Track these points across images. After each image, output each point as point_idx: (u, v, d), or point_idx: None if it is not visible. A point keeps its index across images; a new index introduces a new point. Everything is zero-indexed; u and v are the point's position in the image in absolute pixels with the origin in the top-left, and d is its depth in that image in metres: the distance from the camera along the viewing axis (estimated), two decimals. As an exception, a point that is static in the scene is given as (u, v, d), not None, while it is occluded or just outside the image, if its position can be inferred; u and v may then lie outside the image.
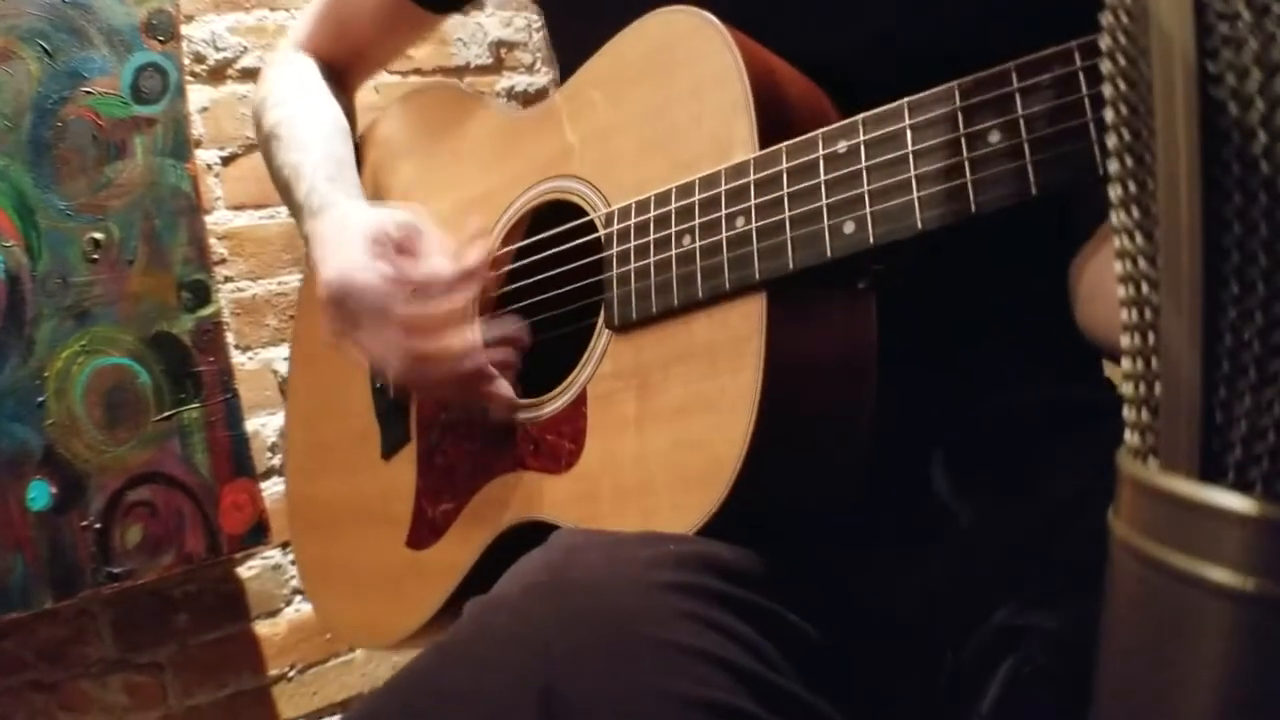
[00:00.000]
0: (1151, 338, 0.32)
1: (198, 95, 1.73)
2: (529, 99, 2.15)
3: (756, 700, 0.56)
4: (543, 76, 2.16)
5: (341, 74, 1.08)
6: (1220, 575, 0.29)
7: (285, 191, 0.99)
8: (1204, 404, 0.30)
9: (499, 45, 2.11)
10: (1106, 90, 0.33)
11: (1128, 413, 0.33)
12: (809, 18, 0.72)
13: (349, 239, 0.85)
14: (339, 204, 0.91)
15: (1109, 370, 0.82)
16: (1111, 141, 0.33)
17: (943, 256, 0.67)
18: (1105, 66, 0.33)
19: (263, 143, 1.04)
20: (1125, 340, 0.33)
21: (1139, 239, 0.32)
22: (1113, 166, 0.33)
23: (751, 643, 0.59)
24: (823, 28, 0.72)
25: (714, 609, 0.59)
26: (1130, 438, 0.33)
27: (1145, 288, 0.32)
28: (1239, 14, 0.28)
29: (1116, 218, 0.33)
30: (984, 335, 0.74)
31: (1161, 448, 0.31)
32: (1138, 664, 0.32)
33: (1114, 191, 0.33)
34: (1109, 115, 0.33)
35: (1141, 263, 0.32)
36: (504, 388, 0.83)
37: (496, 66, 2.12)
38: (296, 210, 0.97)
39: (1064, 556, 0.66)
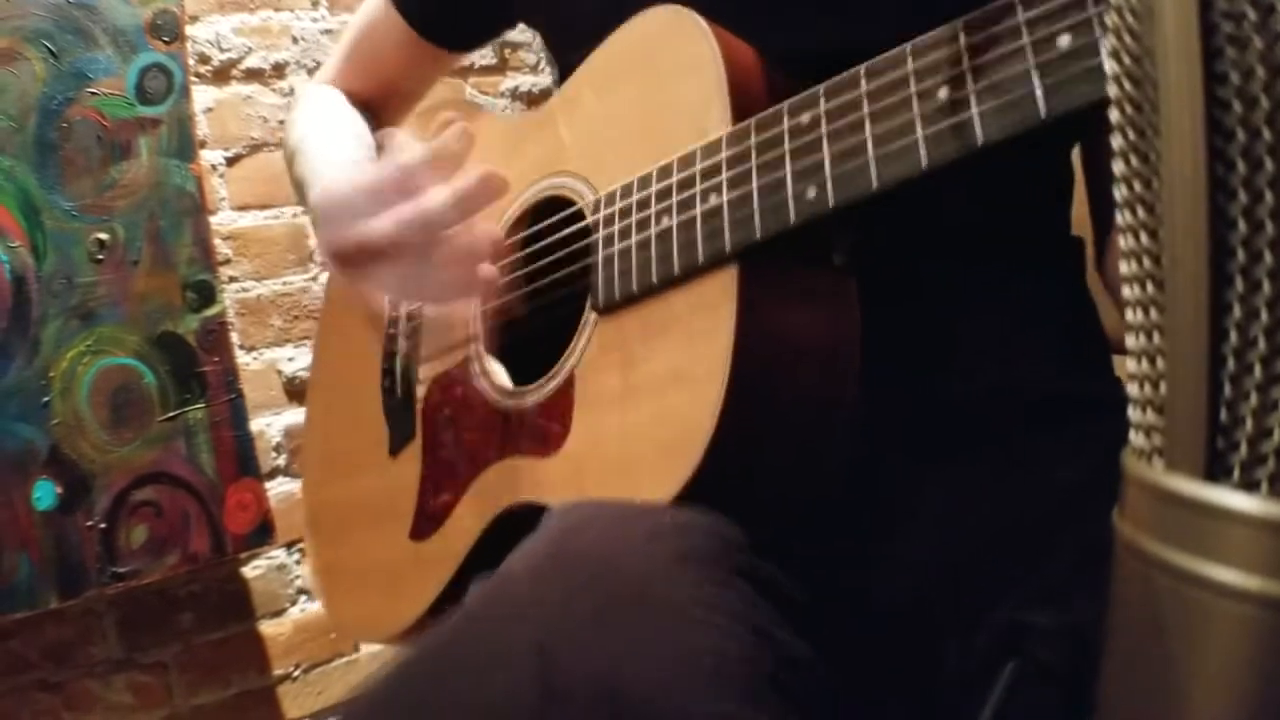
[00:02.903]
0: (1157, 337, 0.32)
1: (202, 96, 1.73)
2: (533, 99, 2.15)
3: (775, 660, 0.56)
4: (546, 77, 2.16)
5: (376, 111, 1.10)
6: (1226, 575, 0.29)
7: (300, 191, 1.00)
8: (1209, 403, 0.30)
9: (503, 45, 2.11)
10: (1111, 90, 0.33)
11: (1133, 413, 0.33)
12: (787, 15, 0.74)
13: (338, 174, 0.86)
14: (333, 174, 0.91)
15: (1118, 368, 0.82)
16: (1117, 141, 0.33)
17: (931, 245, 0.68)
18: (1110, 66, 0.33)
19: (288, 162, 1.06)
20: (1131, 340, 0.33)
21: (1144, 238, 0.32)
22: (1118, 166, 0.33)
23: (762, 605, 0.59)
24: (800, 24, 0.73)
25: (721, 572, 0.59)
26: (1135, 438, 0.33)
27: (1151, 287, 0.32)
28: (1244, 13, 0.28)
29: (1122, 217, 0.33)
30: (983, 325, 0.74)
31: (1166, 448, 0.31)
32: (1142, 664, 0.32)
33: (1119, 191, 0.33)
34: (1114, 115, 0.33)
35: (1147, 262, 0.32)
36: (495, 370, 0.84)
37: (501, 67, 2.12)
38: (308, 201, 0.96)
39: (1068, 555, 0.66)
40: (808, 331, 0.68)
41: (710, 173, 0.69)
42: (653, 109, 0.76)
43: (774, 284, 0.67)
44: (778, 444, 0.69)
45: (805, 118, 0.64)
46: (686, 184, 0.70)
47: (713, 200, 0.68)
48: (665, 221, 0.71)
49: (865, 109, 0.61)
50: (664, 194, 0.72)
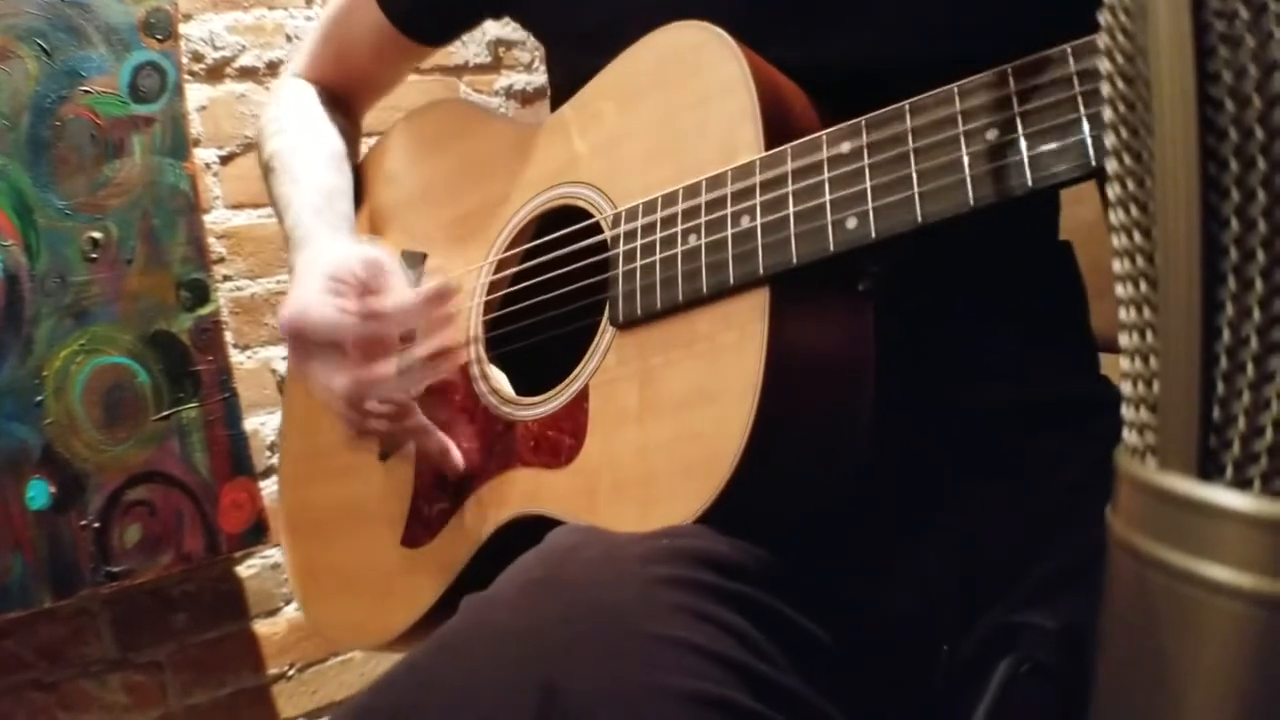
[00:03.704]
0: (1150, 336, 0.32)
1: (196, 94, 1.73)
2: (527, 98, 2.15)
3: (749, 693, 0.56)
4: (541, 75, 2.16)
5: (344, 100, 1.10)
6: (1219, 573, 0.29)
7: (280, 220, 1.02)
8: (1202, 401, 0.30)
9: (497, 44, 2.11)
10: (1105, 88, 0.33)
11: (1126, 411, 0.33)
12: (809, 32, 0.74)
13: (312, 276, 0.87)
14: (317, 240, 0.93)
15: (1106, 367, 0.82)
16: (1109, 140, 0.33)
17: (938, 254, 0.68)
18: (1103, 65, 0.33)
19: (263, 172, 1.06)
20: (1124, 339, 0.33)
21: (1137, 237, 0.32)
22: (1111, 165, 0.33)
23: (746, 636, 0.59)
24: (822, 41, 0.73)
25: (708, 603, 0.59)
26: (1129, 436, 0.33)
27: (1144, 286, 0.32)
28: (1236, 12, 0.28)
29: (1115, 216, 0.33)
30: (979, 331, 0.74)
31: (1160, 446, 0.31)
32: (1137, 662, 0.32)
33: (1112, 190, 0.33)
34: (1107, 113, 0.33)
35: (1140, 260, 0.32)
36: (497, 378, 0.84)
37: (495, 65, 2.11)
38: (287, 239, 0.99)
39: (1062, 554, 0.66)
40: (829, 353, 0.69)
41: (743, 195, 0.69)
42: (678, 127, 0.75)
43: (801, 307, 0.67)
44: (797, 462, 0.69)
45: (846, 147, 0.65)
46: (716, 204, 0.70)
47: (745, 222, 0.68)
48: (693, 240, 0.71)
49: (910, 144, 0.62)
50: (691, 213, 0.72)
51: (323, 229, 0.94)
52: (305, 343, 0.86)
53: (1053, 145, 0.57)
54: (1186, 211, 0.29)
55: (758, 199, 0.68)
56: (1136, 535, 0.32)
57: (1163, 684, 0.31)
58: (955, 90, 0.61)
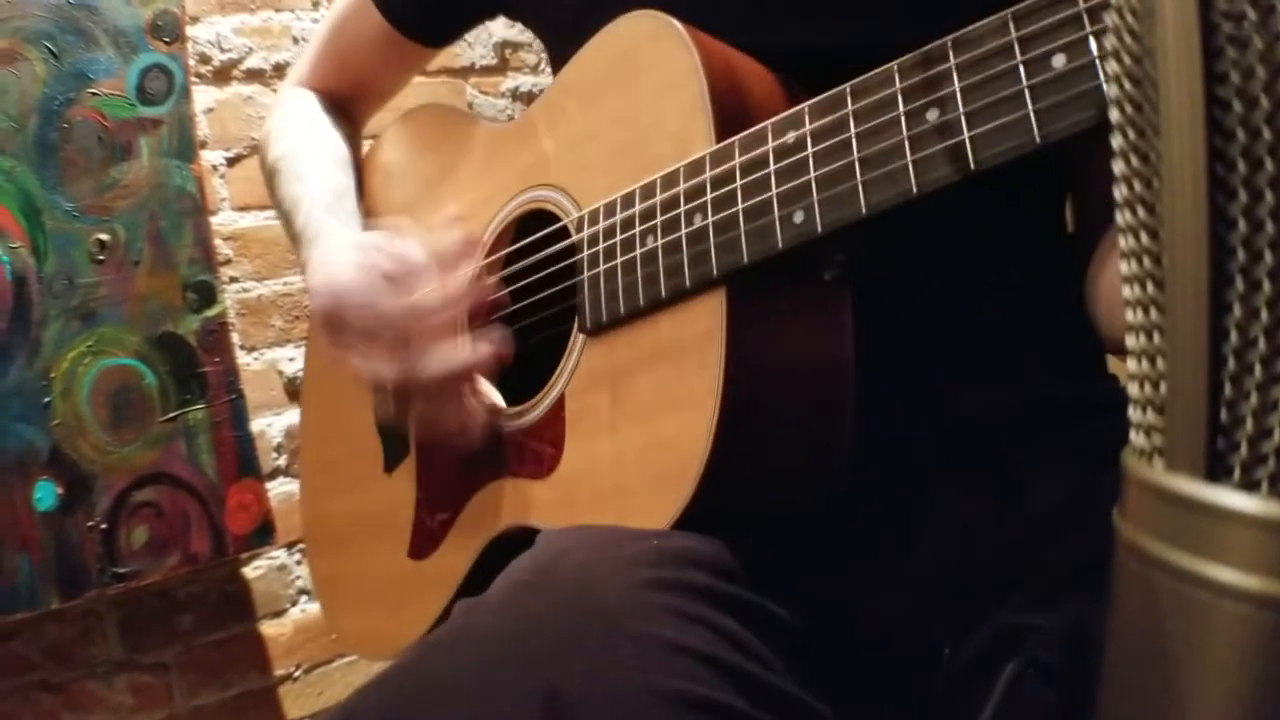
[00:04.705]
0: (1157, 337, 0.32)
1: (203, 96, 1.73)
2: (533, 99, 2.15)
3: (740, 695, 0.56)
4: (547, 77, 2.15)
5: (346, 107, 1.10)
6: (1226, 575, 0.29)
7: (286, 223, 1.02)
8: (1209, 403, 0.30)
9: (504, 46, 2.11)
10: (1111, 90, 0.33)
11: (1133, 413, 0.33)
12: (775, 18, 0.73)
13: (336, 254, 0.87)
14: (332, 230, 0.93)
15: (1113, 368, 0.82)
16: (1117, 141, 0.33)
17: (923, 248, 0.67)
18: (1111, 66, 0.33)
19: (267, 178, 1.07)
20: (1131, 340, 0.33)
21: (1145, 238, 0.32)
22: (1118, 166, 0.33)
23: (736, 637, 0.59)
24: (788, 27, 0.72)
25: (698, 604, 0.59)
26: (1136, 438, 0.33)
27: (1151, 287, 0.32)
28: (1244, 13, 0.28)
29: (1122, 217, 0.33)
30: (975, 328, 0.74)
31: (1167, 448, 0.31)
32: (1143, 665, 0.32)
33: (1119, 191, 0.33)
34: (1114, 114, 0.33)
35: (1147, 262, 0.32)
36: (488, 390, 0.83)
37: (501, 67, 2.12)
38: (295, 240, 0.98)
39: (1066, 555, 0.66)
40: (800, 349, 0.67)
41: (695, 193, 0.67)
42: (635, 123, 0.74)
43: (763, 304, 0.66)
44: (774, 464, 0.68)
45: (790, 138, 0.62)
46: (670, 204, 0.69)
47: (698, 222, 0.67)
48: (650, 242, 0.70)
49: (852, 130, 0.59)
50: (648, 214, 0.70)
51: (334, 222, 0.94)
52: (341, 313, 0.83)
53: (995, 122, 0.53)
54: (1194, 212, 0.29)
55: (709, 196, 0.66)
56: (1143, 537, 0.32)
57: (1168, 686, 0.31)
58: (895, 68, 0.58)
